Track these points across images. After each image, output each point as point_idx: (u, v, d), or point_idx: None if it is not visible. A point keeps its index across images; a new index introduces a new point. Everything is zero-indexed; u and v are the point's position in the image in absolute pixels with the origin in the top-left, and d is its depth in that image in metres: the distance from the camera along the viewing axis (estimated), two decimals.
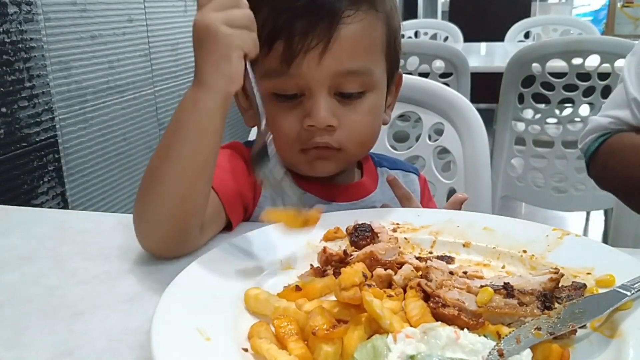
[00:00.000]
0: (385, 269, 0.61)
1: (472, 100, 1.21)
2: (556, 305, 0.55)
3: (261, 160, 0.66)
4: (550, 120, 2.25)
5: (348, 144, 0.83)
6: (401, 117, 1.28)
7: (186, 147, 0.68)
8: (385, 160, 1.03)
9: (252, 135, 1.20)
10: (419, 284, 0.57)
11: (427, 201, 1.01)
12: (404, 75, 0.97)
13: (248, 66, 0.67)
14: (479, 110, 1.17)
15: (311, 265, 0.66)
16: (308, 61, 0.78)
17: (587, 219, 3.16)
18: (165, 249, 0.71)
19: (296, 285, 0.58)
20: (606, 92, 2.13)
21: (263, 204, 0.86)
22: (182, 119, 0.69)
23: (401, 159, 1.20)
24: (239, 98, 0.89)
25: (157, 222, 0.70)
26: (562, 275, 0.59)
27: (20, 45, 1.55)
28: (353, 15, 0.79)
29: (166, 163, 0.69)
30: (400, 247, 0.68)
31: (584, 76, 2.13)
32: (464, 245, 0.72)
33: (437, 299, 0.54)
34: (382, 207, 0.89)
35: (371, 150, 0.98)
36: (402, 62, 2.23)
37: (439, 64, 2.38)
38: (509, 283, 0.56)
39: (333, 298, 0.55)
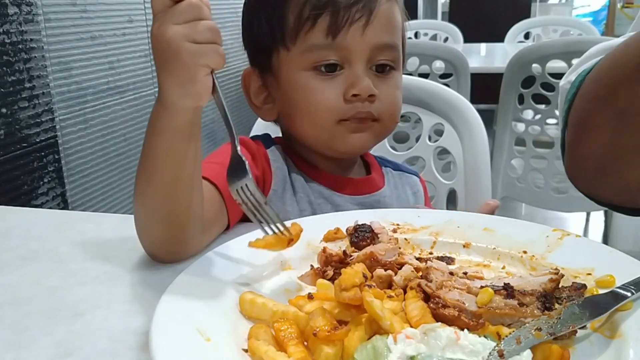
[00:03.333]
0: (386, 270, 0.61)
1: (472, 101, 1.21)
2: (556, 305, 0.55)
3: (237, 178, 0.62)
4: (550, 120, 2.25)
5: (385, 114, 0.88)
6: (401, 117, 1.28)
7: (166, 172, 0.66)
8: (388, 162, 1.05)
9: (254, 130, 1.20)
10: (419, 285, 0.57)
11: (427, 204, 1.03)
12: (403, 76, 0.98)
13: (215, 81, 0.62)
14: (479, 110, 1.17)
15: (311, 265, 0.66)
16: (352, 32, 0.83)
17: (587, 220, 3.16)
18: (168, 257, 0.71)
19: (309, 293, 0.58)
20: None
21: (272, 197, 0.87)
22: (156, 144, 0.66)
23: (401, 159, 1.21)
24: (251, 97, 0.91)
25: (153, 236, 0.70)
26: (562, 275, 0.59)
27: (20, 46, 1.55)
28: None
29: (149, 187, 0.67)
30: (400, 248, 0.68)
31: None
32: (464, 246, 0.72)
33: (437, 299, 0.54)
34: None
35: (372, 152, 0.98)
36: None
37: (439, 65, 2.38)
38: (509, 284, 0.56)
39: None
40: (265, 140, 0.93)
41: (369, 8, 0.83)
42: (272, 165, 0.88)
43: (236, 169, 0.62)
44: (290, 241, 0.63)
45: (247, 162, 0.62)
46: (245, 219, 0.85)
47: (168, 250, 0.70)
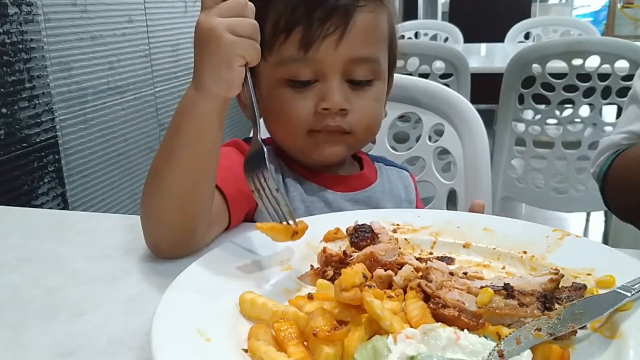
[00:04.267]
0: (386, 270, 0.61)
1: (472, 101, 1.20)
2: (556, 306, 0.55)
3: (255, 166, 0.66)
4: (551, 121, 2.25)
5: (357, 127, 0.87)
6: (401, 117, 1.28)
7: (186, 150, 0.69)
8: (379, 158, 1.06)
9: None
10: (419, 285, 0.57)
11: (417, 199, 1.04)
12: (404, 76, 0.98)
13: (248, 74, 0.67)
14: (479, 111, 1.17)
15: (311, 266, 0.66)
16: (325, 47, 0.82)
17: (588, 220, 3.16)
18: (172, 248, 0.72)
19: (309, 293, 0.58)
20: (606, 92, 2.13)
21: None
22: (181, 122, 0.69)
23: (401, 159, 1.21)
24: (240, 95, 0.90)
25: (163, 222, 0.70)
26: (562, 276, 0.59)
27: (20, 46, 1.55)
28: (366, 5, 0.84)
29: (168, 165, 0.69)
30: (400, 248, 0.68)
31: (584, 77, 2.13)
32: (464, 246, 0.72)
33: (437, 299, 0.54)
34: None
35: (371, 152, 0.98)
36: (402, 62, 2.23)
37: (439, 65, 2.38)
38: (509, 284, 0.56)
39: None
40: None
41: (344, 22, 0.82)
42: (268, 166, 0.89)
43: (255, 157, 0.66)
44: (295, 234, 0.64)
45: (266, 151, 0.65)
46: (245, 219, 0.85)
47: (174, 241, 0.71)
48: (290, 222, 0.65)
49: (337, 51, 0.82)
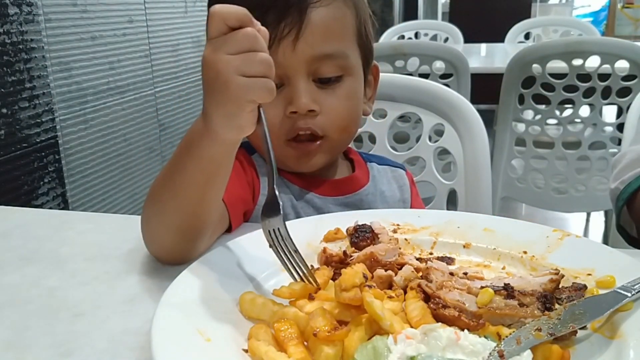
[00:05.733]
0: (386, 270, 0.61)
1: (473, 101, 1.20)
2: (556, 306, 0.55)
3: (271, 219, 0.61)
4: (551, 121, 2.25)
5: (330, 129, 0.85)
6: (401, 118, 1.28)
7: (193, 190, 0.66)
8: (373, 157, 1.05)
9: None
10: (419, 285, 0.57)
11: (415, 197, 1.02)
12: (404, 77, 0.97)
13: (262, 114, 0.61)
14: (479, 111, 1.17)
15: (311, 266, 0.65)
16: (283, 49, 0.80)
17: (588, 220, 3.16)
18: (173, 256, 0.70)
19: (309, 294, 0.58)
20: (606, 93, 2.13)
21: (263, 201, 0.87)
22: (188, 162, 0.65)
23: (401, 159, 1.21)
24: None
25: (163, 246, 0.70)
26: (563, 276, 0.59)
27: (20, 46, 1.55)
28: (321, 1, 0.81)
29: (172, 199, 0.67)
30: (400, 248, 0.68)
31: (584, 77, 2.13)
32: (464, 246, 0.72)
33: (437, 300, 0.54)
34: None
35: (372, 152, 0.98)
36: (402, 63, 2.23)
37: (439, 65, 2.37)
38: (509, 284, 0.56)
39: None
40: (248, 147, 0.92)
41: (297, 21, 0.79)
42: (258, 171, 0.89)
43: (270, 207, 0.61)
44: (318, 290, 0.60)
45: (282, 205, 0.61)
46: (246, 220, 0.85)
47: (175, 257, 0.70)
48: (311, 280, 0.60)
49: (296, 52, 0.80)
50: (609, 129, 2.19)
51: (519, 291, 0.55)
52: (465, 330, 0.50)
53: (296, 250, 0.60)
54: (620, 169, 0.91)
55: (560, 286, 0.58)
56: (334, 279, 0.61)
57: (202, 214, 0.69)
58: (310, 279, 0.60)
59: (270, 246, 0.61)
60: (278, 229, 0.60)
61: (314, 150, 0.86)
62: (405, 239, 0.73)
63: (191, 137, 0.65)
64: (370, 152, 1.19)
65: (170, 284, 0.57)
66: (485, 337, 0.50)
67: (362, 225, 0.71)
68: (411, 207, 0.99)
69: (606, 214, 2.66)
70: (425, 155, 1.23)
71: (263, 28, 0.60)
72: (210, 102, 0.60)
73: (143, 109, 2.13)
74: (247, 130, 0.61)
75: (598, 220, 3.06)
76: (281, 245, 0.60)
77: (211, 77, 0.59)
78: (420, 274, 0.61)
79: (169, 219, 0.67)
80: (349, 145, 0.99)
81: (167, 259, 0.71)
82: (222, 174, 0.67)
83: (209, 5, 0.88)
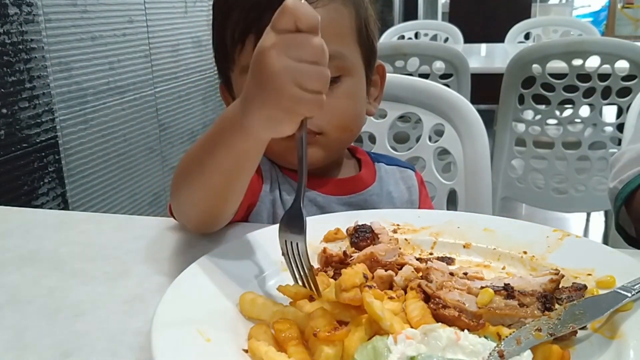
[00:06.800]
0: (386, 270, 0.61)
1: (473, 101, 1.20)
2: (556, 306, 0.55)
3: (291, 231, 0.58)
4: (551, 121, 2.25)
5: (328, 127, 0.85)
6: (401, 118, 1.28)
7: (221, 175, 0.66)
8: (382, 157, 1.04)
9: None
10: (419, 285, 0.57)
11: (424, 198, 1.02)
12: (404, 77, 0.97)
13: (304, 128, 0.58)
14: (479, 111, 1.17)
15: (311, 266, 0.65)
16: None
17: (588, 220, 3.16)
18: (197, 228, 0.77)
19: (310, 296, 0.58)
20: (606, 93, 2.13)
21: (264, 198, 0.88)
22: (219, 152, 0.64)
23: (401, 159, 1.21)
24: (225, 94, 0.91)
25: (189, 220, 0.76)
26: (563, 276, 0.59)
27: (20, 46, 1.55)
28: (317, 2, 0.81)
29: (200, 177, 0.67)
30: (400, 248, 0.68)
31: (584, 77, 2.13)
32: (464, 247, 0.72)
33: (437, 300, 0.54)
34: None
35: (372, 151, 0.98)
36: (402, 63, 2.22)
37: (439, 65, 2.38)
38: (509, 284, 0.56)
39: None
40: None
41: None
42: (262, 168, 0.89)
43: (293, 220, 0.58)
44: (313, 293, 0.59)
45: (306, 222, 0.58)
46: (246, 217, 0.85)
47: (199, 229, 0.78)
48: (315, 290, 0.58)
49: None
50: (609, 129, 2.19)
51: (519, 291, 0.55)
52: (465, 331, 0.50)
53: (310, 268, 0.58)
54: (618, 168, 0.90)
55: (560, 286, 0.58)
56: (334, 279, 0.61)
57: (227, 199, 0.70)
58: (315, 291, 0.58)
59: (283, 254, 0.59)
60: (297, 243, 0.58)
61: (311, 142, 0.86)
62: (405, 239, 0.73)
63: (224, 125, 0.63)
64: (362, 149, 1.19)
65: (170, 284, 0.57)
66: (485, 337, 0.50)
67: (362, 225, 0.71)
68: (420, 209, 0.98)
69: (606, 214, 2.66)
70: (425, 156, 1.23)
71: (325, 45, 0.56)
72: (254, 98, 0.57)
73: (143, 109, 2.13)
74: (287, 134, 0.58)
75: (598, 220, 3.06)
76: (296, 259, 0.58)
77: (265, 75, 0.55)
78: (421, 274, 0.61)
79: (196, 195, 0.70)
80: (358, 146, 0.98)
81: (193, 229, 0.78)
82: (249, 166, 0.67)
83: (214, 4, 0.88)
